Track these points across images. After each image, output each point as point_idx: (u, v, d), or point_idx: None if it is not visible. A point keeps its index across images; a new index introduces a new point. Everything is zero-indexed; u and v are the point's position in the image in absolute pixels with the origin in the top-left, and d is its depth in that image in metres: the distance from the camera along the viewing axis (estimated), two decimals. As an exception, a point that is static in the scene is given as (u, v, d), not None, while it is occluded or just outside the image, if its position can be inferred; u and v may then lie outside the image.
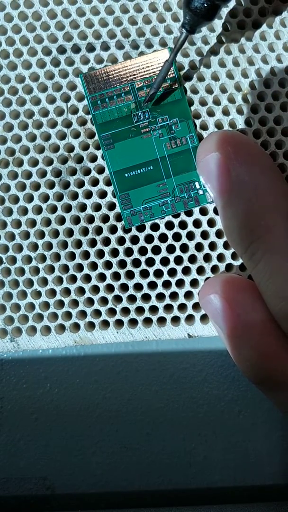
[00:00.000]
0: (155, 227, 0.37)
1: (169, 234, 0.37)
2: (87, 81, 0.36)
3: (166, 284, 0.37)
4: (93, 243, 0.37)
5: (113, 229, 0.37)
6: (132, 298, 0.37)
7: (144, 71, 0.36)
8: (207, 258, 0.37)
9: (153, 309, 0.37)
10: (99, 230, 0.37)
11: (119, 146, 0.36)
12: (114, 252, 0.37)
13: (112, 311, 0.37)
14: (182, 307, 0.37)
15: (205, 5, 0.31)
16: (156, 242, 0.37)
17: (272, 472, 0.45)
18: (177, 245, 0.37)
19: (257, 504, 0.43)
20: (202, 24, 0.33)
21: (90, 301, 0.37)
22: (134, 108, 0.36)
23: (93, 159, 0.37)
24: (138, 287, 0.37)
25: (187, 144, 0.36)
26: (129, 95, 0.36)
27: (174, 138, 0.36)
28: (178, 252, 0.37)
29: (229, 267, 0.37)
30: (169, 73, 0.36)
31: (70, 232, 0.37)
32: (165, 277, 0.37)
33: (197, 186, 0.36)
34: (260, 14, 0.37)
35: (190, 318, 0.37)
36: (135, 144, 0.36)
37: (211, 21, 0.32)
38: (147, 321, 0.37)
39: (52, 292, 0.37)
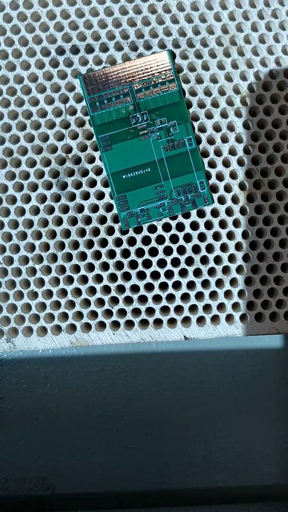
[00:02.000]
0: (152, 228, 0.37)
1: (166, 236, 0.37)
2: (85, 83, 0.36)
3: (163, 286, 0.37)
4: (90, 244, 0.37)
5: (111, 231, 0.37)
6: (128, 300, 0.37)
7: (143, 73, 0.36)
8: (204, 260, 0.37)
9: (150, 311, 0.37)
10: (96, 231, 0.37)
11: (117, 148, 0.36)
12: (111, 254, 0.37)
13: (108, 312, 0.37)
14: (178, 309, 0.37)
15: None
16: (153, 243, 0.37)
17: (272, 472, 0.45)
18: (174, 247, 0.37)
19: (257, 504, 0.43)
20: None
21: (87, 302, 0.37)
22: (132, 110, 0.36)
23: (91, 160, 0.37)
24: (135, 288, 0.37)
25: (185, 146, 0.36)
26: (127, 97, 0.36)
27: (172, 141, 0.36)
28: (175, 254, 0.37)
29: (226, 269, 0.37)
30: (168, 75, 0.36)
31: (67, 233, 0.37)
32: (162, 278, 0.37)
33: (195, 189, 0.36)
34: (259, 17, 0.37)
35: (186, 320, 0.37)
36: (133, 146, 0.36)
37: None
38: (144, 323, 0.37)
39: (49, 293, 0.37)
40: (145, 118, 0.36)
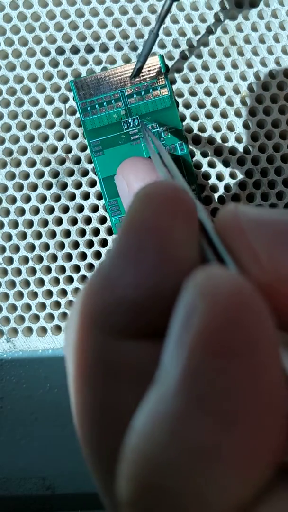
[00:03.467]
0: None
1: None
2: (77, 88, 0.36)
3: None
4: (90, 244, 0.37)
5: (111, 231, 0.37)
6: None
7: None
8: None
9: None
10: (96, 231, 0.37)
11: (109, 153, 0.36)
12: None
13: (108, 313, 0.37)
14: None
15: None
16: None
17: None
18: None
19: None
20: None
21: (87, 302, 0.37)
22: (124, 115, 0.36)
23: (91, 160, 0.37)
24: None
25: (176, 151, 0.36)
26: (119, 102, 0.36)
27: (163, 146, 0.36)
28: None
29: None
30: (158, 80, 0.36)
31: (67, 233, 0.37)
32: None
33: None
34: (259, 17, 0.37)
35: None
36: (125, 150, 0.36)
37: None
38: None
39: (49, 293, 0.37)
40: (136, 123, 0.36)
